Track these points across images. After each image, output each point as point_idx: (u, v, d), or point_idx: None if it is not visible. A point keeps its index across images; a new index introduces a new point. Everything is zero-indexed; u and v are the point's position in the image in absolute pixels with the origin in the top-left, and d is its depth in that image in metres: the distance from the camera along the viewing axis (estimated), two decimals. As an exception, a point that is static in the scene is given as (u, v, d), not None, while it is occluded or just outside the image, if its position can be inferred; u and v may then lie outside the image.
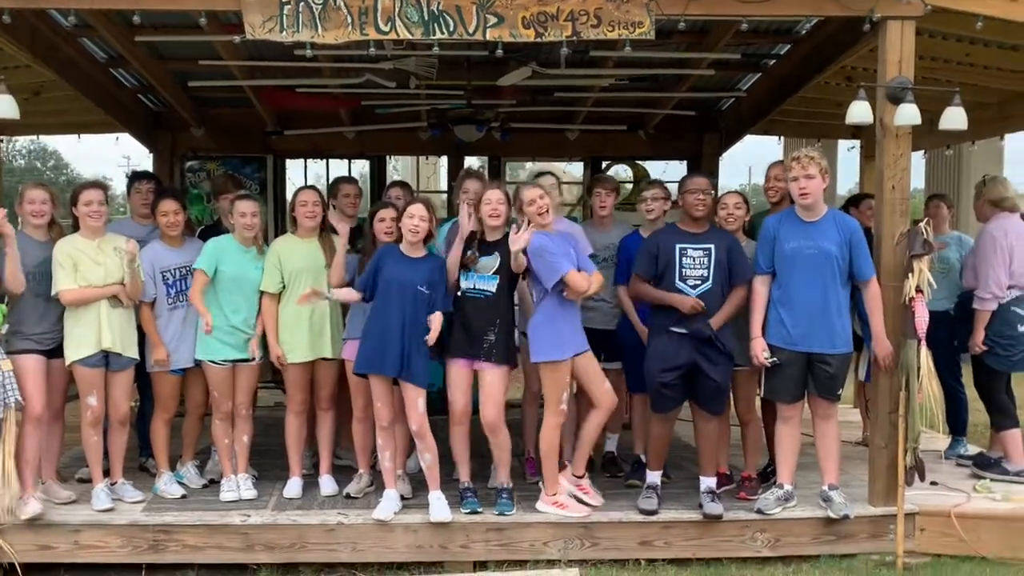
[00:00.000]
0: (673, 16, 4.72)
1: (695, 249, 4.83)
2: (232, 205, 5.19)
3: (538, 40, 4.69)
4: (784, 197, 5.25)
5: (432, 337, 4.63)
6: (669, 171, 9.31)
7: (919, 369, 4.73)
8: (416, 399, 4.71)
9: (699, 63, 6.63)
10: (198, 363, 5.06)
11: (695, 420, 4.99)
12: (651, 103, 7.96)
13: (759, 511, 4.83)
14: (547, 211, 4.75)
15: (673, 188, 5.72)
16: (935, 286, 4.95)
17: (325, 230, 5.19)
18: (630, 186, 8.95)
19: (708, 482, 4.90)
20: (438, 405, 5.05)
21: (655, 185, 5.49)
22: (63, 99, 7.11)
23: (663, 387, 4.81)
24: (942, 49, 5.76)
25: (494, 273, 4.76)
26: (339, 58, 6.22)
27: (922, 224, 4.81)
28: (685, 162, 8.87)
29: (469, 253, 4.79)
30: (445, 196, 9.17)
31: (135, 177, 5.84)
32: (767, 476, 5.28)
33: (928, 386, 4.74)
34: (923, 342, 4.74)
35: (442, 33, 4.64)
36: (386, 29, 4.61)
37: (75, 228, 4.92)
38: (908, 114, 4.71)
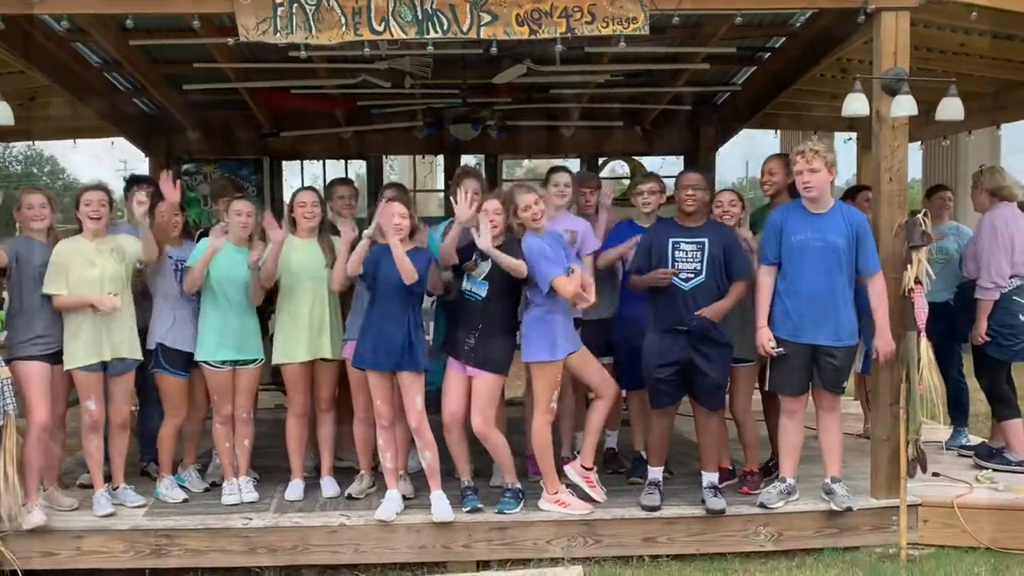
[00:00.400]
0: (667, 11, 4.71)
1: (688, 243, 4.83)
2: (228, 205, 5.20)
3: (532, 37, 4.68)
4: (780, 191, 5.24)
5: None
6: (666, 166, 9.31)
7: (919, 360, 4.73)
8: (415, 395, 4.72)
9: (694, 57, 6.62)
10: (198, 365, 5.05)
11: (695, 416, 4.99)
12: (647, 99, 7.95)
13: (762, 505, 4.83)
14: (541, 216, 4.75)
15: (670, 183, 5.71)
16: (934, 277, 4.95)
17: (324, 231, 5.19)
18: (627, 182, 8.95)
19: (710, 477, 4.90)
20: (436, 405, 5.04)
21: (650, 178, 5.48)
22: (58, 104, 7.09)
23: (659, 383, 4.81)
24: (937, 39, 5.75)
25: (484, 279, 4.76)
26: (334, 59, 6.21)
27: (920, 215, 4.81)
28: (682, 157, 8.87)
29: (472, 259, 4.80)
30: (442, 195, 9.16)
31: (132, 181, 5.83)
32: (769, 470, 5.28)
33: (929, 377, 4.74)
34: (923, 333, 4.74)
35: (436, 32, 4.63)
36: (380, 29, 4.60)
37: (80, 232, 4.92)
38: (904, 105, 4.70)
